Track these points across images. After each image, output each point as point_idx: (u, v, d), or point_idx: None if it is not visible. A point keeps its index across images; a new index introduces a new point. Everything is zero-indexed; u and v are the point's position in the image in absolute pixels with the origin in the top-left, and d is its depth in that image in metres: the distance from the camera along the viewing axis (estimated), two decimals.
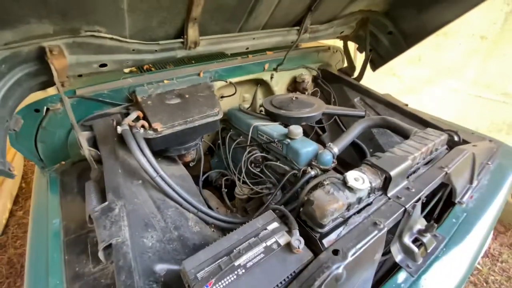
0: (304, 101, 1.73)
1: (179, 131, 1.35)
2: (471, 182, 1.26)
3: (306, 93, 2.13)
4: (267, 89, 2.08)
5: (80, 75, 1.23)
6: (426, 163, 1.18)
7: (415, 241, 0.97)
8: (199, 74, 1.66)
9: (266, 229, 0.84)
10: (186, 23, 1.27)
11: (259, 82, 2.04)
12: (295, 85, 2.17)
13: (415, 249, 0.94)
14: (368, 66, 2.19)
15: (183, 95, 1.50)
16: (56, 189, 1.26)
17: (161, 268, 0.88)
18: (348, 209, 0.86)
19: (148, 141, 1.23)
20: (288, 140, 1.42)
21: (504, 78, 2.46)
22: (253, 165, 1.64)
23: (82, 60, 1.14)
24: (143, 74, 1.55)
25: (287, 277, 0.72)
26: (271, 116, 1.66)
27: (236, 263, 0.73)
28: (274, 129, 1.54)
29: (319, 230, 0.81)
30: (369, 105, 1.96)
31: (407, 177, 1.04)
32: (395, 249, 0.95)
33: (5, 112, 1.03)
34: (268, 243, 0.79)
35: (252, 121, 1.64)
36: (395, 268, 0.96)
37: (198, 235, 1.09)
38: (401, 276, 0.91)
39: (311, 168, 1.32)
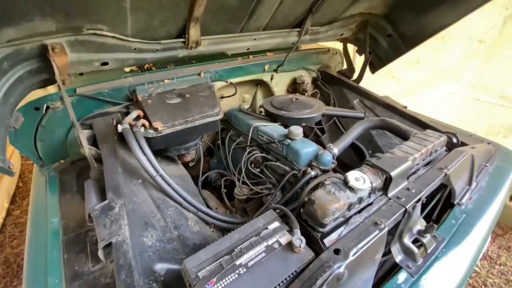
0: (304, 102, 1.74)
1: (180, 131, 1.35)
2: (470, 183, 1.27)
3: (306, 94, 2.14)
4: (267, 90, 2.09)
5: (81, 74, 1.23)
6: (426, 164, 1.19)
7: (414, 241, 0.98)
8: (199, 74, 1.66)
9: (267, 228, 0.84)
10: (188, 23, 1.27)
11: (259, 83, 2.05)
12: (295, 87, 2.18)
13: (415, 249, 0.94)
14: (367, 68, 2.20)
15: (183, 94, 1.50)
16: (55, 188, 1.25)
17: (161, 267, 0.87)
18: (349, 209, 0.86)
19: (148, 140, 1.23)
20: (289, 141, 1.42)
21: (501, 81, 2.48)
22: (253, 165, 1.64)
23: (83, 58, 1.14)
24: (144, 73, 1.54)
25: (289, 276, 0.72)
26: (271, 117, 1.67)
27: (238, 262, 0.73)
28: (274, 129, 1.55)
29: (320, 229, 0.82)
30: (368, 107, 1.97)
31: (407, 178, 1.05)
32: (395, 249, 0.95)
33: (6, 110, 1.03)
34: (270, 242, 0.79)
35: (252, 122, 1.65)
36: (394, 268, 0.96)
37: (197, 234, 1.08)
38: (401, 276, 0.91)
39: (311, 169, 1.32)
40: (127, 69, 1.55)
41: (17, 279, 2.18)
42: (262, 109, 1.76)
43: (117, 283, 0.73)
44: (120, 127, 1.18)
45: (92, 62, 1.19)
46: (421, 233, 0.97)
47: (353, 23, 2.01)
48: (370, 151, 1.76)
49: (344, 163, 1.69)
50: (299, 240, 0.77)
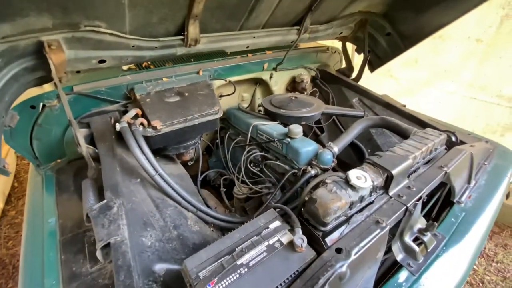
0: (304, 100, 1.73)
1: (179, 129, 1.33)
2: (469, 182, 1.27)
3: (305, 93, 2.13)
4: (266, 88, 2.08)
5: (78, 71, 1.21)
6: (426, 163, 1.19)
7: (415, 240, 0.97)
8: (198, 72, 1.65)
9: (268, 227, 0.83)
10: (187, 20, 1.26)
11: (258, 82, 2.04)
12: (294, 85, 2.17)
13: (416, 248, 0.94)
14: (366, 67, 2.20)
15: (182, 93, 1.49)
16: (51, 187, 1.23)
17: (160, 267, 0.86)
18: (350, 207, 0.85)
19: (147, 139, 1.22)
20: (288, 140, 1.41)
21: (499, 80, 2.50)
22: (252, 164, 1.63)
23: (80, 55, 1.12)
24: (142, 71, 1.53)
25: (290, 276, 0.71)
26: (271, 116, 1.66)
27: (239, 262, 0.72)
28: (274, 128, 1.54)
29: (322, 228, 0.81)
30: (367, 106, 1.97)
31: (408, 176, 1.05)
32: (396, 248, 0.95)
33: (1, 108, 1.01)
34: (271, 241, 0.79)
35: (252, 121, 1.64)
36: (394, 267, 0.96)
37: (197, 234, 1.07)
38: (402, 275, 0.91)
39: (311, 168, 1.31)
40: (125, 67, 1.53)
41: (12, 280, 2.15)
42: (261, 108, 1.76)
43: (116, 284, 0.72)
44: (118, 126, 1.16)
45: (90, 60, 1.17)
46: (421, 231, 0.97)
47: (352, 21, 2.01)
48: (369, 150, 1.76)
49: (343, 162, 1.69)
50: (300, 239, 0.77)
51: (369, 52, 2.16)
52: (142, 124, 1.26)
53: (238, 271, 0.70)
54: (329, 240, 0.80)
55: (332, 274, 0.69)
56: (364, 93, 2.02)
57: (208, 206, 1.26)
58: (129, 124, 1.20)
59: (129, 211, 0.95)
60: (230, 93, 1.79)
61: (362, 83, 2.17)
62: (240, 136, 1.77)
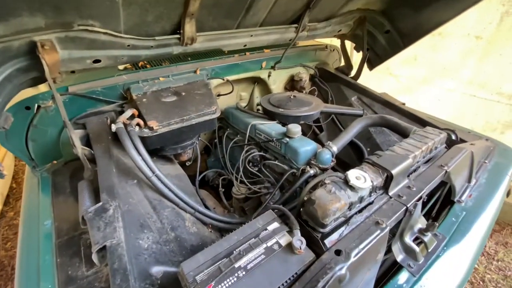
0: (302, 99, 1.71)
1: (176, 130, 1.32)
2: (469, 181, 1.26)
3: (304, 91, 2.11)
4: (265, 87, 2.06)
5: (72, 72, 1.19)
6: (426, 162, 1.17)
7: (415, 240, 0.96)
8: (195, 72, 1.63)
9: (266, 229, 0.82)
10: (183, 19, 1.24)
11: (257, 80, 2.02)
12: (292, 84, 2.15)
13: (417, 248, 0.92)
14: (365, 65, 2.18)
15: (179, 92, 1.47)
16: (47, 189, 1.22)
17: (157, 270, 0.85)
18: (350, 208, 0.84)
19: (143, 139, 1.20)
20: (287, 139, 1.40)
21: (498, 78, 2.48)
22: (250, 164, 1.62)
23: (74, 55, 1.10)
24: (138, 71, 1.51)
25: (289, 278, 0.70)
26: (269, 115, 1.65)
27: (237, 265, 0.71)
28: (272, 127, 1.52)
29: (321, 230, 0.80)
30: (366, 104, 1.96)
31: (408, 176, 1.04)
32: (396, 248, 0.93)
33: None
34: (269, 243, 0.77)
35: (250, 120, 1.62)
36: (393, 268, 0.94)
37: (195, 236, 1.06)
38: (403, 276, 0.89)
39: (310, 167, 1.30)
40: (120, 67, 1.51)
41: (11, 282, 2.14)
42: (259, 107, 1.74)
43: (112, 287, 0.71)
44: (114, 127, 1.14)
45: (84, 60, 1.15)
46: (422, 231, 0.96)
47: (350, 19, 1.99)
48: (368, 149, 1.74)
49: (342, 161, 1.68)
50: (299, 241, 0.75)
51: (368, 50, 2.14)
52: (138, 124, 1.24)
53: (236, 274, 0.69)
54: (328, 241, 0.78)
55: (332, 277, 0.68)
56: (363, 91, 2.00)
57: (206, 207, 1.25)
58: (125, 125, 1.18)
59: (125, 213, 0.94)
60: (228, 92, 1.78)
61: (361, 81, 2.15)
62: (238, 136, 1.75)
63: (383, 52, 2.12)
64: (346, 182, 0.86)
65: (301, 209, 0.85)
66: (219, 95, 1.80)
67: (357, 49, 2.22)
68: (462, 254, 1.00)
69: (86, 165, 1.12)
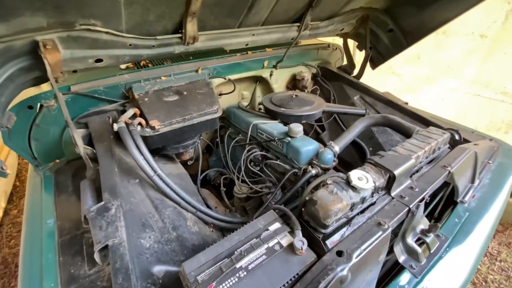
0: (304, 99, 1.71)
1: (177, 129, 1.32)
2: (473, 181, 1.25)
3: (306, 91, 2.11)
4: (266, 86, 2.05)
5: (75, 71, 1.20)
6: (429, 162, 1.17)
7: (417, 241, 0.96)
8: (197, 71, 1.63)
9: (267, 229, 0.82)
10: (185, 18, 1.24)
11: (258, 80, 2.02)
12: (294, 83, 2.14)
13: (419, 249, 0.92)
14: (368, 64, 2.17)
15: (181, 92, 1.47)
16: (50, 188, 1.23)
17: (159, 269, 0.85)
18: (351, 209, 0.84)
19: (145, 139, 1.20)
20: (289, 139, 1.40)
21: (503, 77, 2.46)
22: (252, 163, 1.62)
23: (76, 54, 1.11)
24: (140, 70, 1.51)
25: (290, 279, 0.70)
26: (271, 114, 1.64)
27: (238, 265, 0.71)
28: (274, 127, 1.52)
29: (322, 230, 0.79)
30: (368, 103, 1.95)
31: (411, 176, 1.03)
32: (398, 249, 0.93)
33: None
34: (270, 244, 0.77)
35: (252, 119, 1.62)
36: (395, 269, 0.94)
37: (197, 235, 1.06)
38: (405, 277, 0.89)
39: (312, 167, 1.30)
40: (122, 66, 1.51)
41: (15, 279, 2.16)
42: (261, 106, 1.74)
43: (114, 286, 0.71)
44: (115, 126, 1.15)
45: (86, 59, 1.15)
46: (424, 232, 0.95)
47: (353, 18, 1.97)
48: (370, 148, 1.73)
49: (345, 161, 1.67)
50: (300, 241, 0.75)
51: (371, 49, 2.12)
52: (140, 124, 1.24)
53: (237, 275, 0.69)
54: (329, 242, 0.78)
55: (333, 278, 0.68)
56: (366, 91, 1.99)
57: (208, 206, 1.25)
58: (127, 124, 1.18)
59: (127, 213, 0.94)
60: (230, 92, 1.77)
61: (363, 80, 2.14)
62: (240, 135, 1.75)
63: (386, 51, 2.10)
64: (348, 182, 0.86)
65: (303, 210, 0.85)
66: (220, 94, 1.80)
67: (359, 48, 2.21)
68: (464, 255, 1.00)
69: (88, 164, 1.13)
